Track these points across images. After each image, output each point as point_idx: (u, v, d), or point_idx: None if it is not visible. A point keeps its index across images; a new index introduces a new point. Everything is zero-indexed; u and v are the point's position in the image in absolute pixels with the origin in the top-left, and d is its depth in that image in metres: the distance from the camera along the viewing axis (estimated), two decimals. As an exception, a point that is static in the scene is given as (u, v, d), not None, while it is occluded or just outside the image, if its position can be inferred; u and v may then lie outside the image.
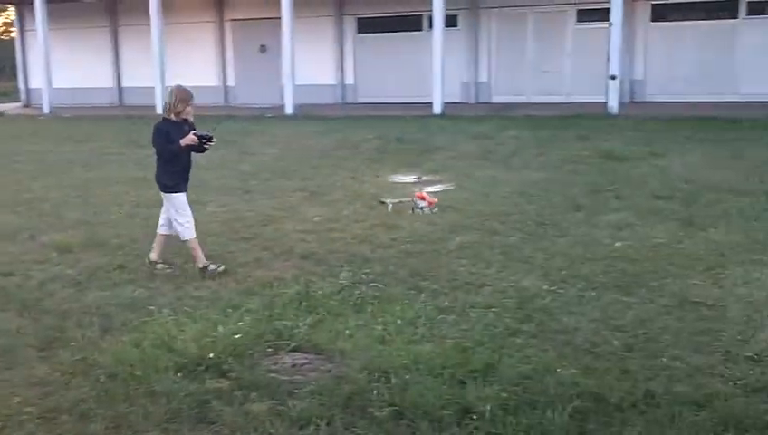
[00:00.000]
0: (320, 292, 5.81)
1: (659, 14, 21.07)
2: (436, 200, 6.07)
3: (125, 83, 27.77)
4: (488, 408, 3.92)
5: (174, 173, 6.57)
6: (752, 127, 14.58)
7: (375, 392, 4.15)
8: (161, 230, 6.78)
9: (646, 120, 16.25)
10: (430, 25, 20.46)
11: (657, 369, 4.39)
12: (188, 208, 6.62)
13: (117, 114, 22.33)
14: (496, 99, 22.63)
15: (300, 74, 21.93)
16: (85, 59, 27.54)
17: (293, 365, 4.58)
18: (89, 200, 9.82)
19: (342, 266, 6.50)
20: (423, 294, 5.77)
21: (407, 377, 4.30)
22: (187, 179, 6.68)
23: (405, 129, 16.47)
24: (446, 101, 20.06)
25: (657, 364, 4.46)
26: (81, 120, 21.41)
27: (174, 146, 6.43)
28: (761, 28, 19.90)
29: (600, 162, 11.53)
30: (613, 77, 18.12)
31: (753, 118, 15.50)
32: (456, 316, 5.31)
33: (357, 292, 5.84)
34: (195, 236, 6.61)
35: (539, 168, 11.33)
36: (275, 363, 4.59)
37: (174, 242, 6.74)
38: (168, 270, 6.63)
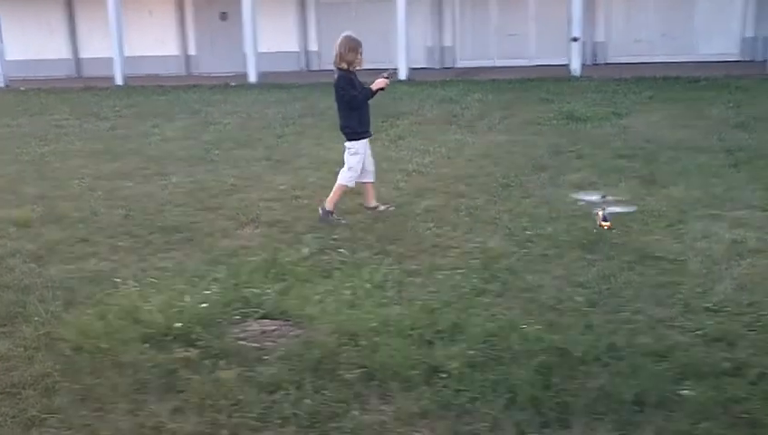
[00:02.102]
0: (287, 259, 5.82)
1: (620, -24, 21.14)
2: (607, 225, 6.16)
3: (83, 54, 27.18)
4: (456, 366, 3.98)
5: (363, 118, 6.95)
6: (710, 86, 14.74)
7: (344, 355, 4.18)
8: (367, 178, 7.12)
9: (608, 81, 16.36)
10: (394, -10, 20.31)
11: (619, 322, 4.48)
12: (363, 155, 6.96)
13: (75, 86, 21.90)
14: (461, 63, 22.59)
15: (262, 42, 21.67)
16: (40, 30, 26.90)
17: (262, 332, 4.59)
18: (47, 175, 9.66)
19: (309, 233, 6.50)
20: (390, 258, 5.80)
21: (376, 339, 4.34)
22: (370, 124, 7.05)
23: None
24: (411, 66, 19.98)
25: (620, 318, 4.54)
26: (38, 92, 21.01)
27: (366, 91, 6.85)
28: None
29: (563, 123, 11.61)
30: (575, 39, 18.18)
31: (711, 77, 15.66)
32: (424, 278, 5.36)
33: (325, 258, 5.86)
34: (353, 186, 7.04)
35: (504, 130, 11.38)
36: (244, 331, 4.60)
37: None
38: (391, 208, 7.13)
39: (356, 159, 6.96)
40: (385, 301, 4.96)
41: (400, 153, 9.98)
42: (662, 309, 4.65)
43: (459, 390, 3.79)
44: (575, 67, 18.20)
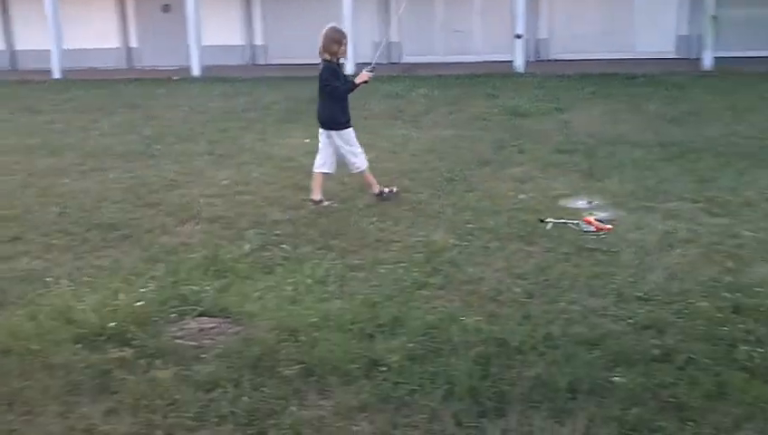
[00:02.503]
0: (228, 255, 5.77)
1: (562, -28, 21.42)
2: (610, 227, 6.12)
3: (18, 46, 26.43)
4: (395, 359, 4.01)
5: (344, 109, 7.10)
6: (647, 83, 15.04)
7: (284, 352, 4.18)
8: (321, 169, 7.21)
9: (550, 77, 16.57)
10: (340, -15, 20.25)
11: (555, 313, 4.57)
12: (357, 141, 7.18)
13: (9, 79, 21.32)
14: (407, 58, 22.63)
15: (206, 35, 21.40)
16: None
17: (200, 330, 4.55)
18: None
19: (251, 229, 6.47)
20: (333, 253, 5.81)
21: (316, 334, 4.35)
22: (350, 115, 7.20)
23: (316, 89, 16.25)
24: (358, 61, 19.93)
25: (556, 308, 4.64)
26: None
27: (348, 84, 7.02)
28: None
29: (506, 119, 11.74)
30: (519, 36, 18.37)
31: (649, 74, 15.98)
32: (366, 273, 5.38)
33: (266, 254, 5.84)
34: (367, 165, 7.20)
35: (448, 125, 11.46)
36: (181, 329, 4.55)
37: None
38: (335, 205, 7.10)
39: (353, 145, 7.18)
40: (326, 296, 4.97)
41: (345, 148, 9.96)
42: (596, 299, 4.76)
43: (398, 382, 3.82)
44: (519, 63, 18.40)
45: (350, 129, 7.19)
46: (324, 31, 7.04)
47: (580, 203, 6.93)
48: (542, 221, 6.30)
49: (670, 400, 3.59)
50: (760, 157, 8.47)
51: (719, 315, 4.45)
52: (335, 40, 6.94)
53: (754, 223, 6.17)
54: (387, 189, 7.25)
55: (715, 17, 17.27)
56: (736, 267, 5.22)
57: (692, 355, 3.97)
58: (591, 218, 6.23)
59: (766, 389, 3.64)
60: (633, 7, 20.56)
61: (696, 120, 10.97)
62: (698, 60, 17.94)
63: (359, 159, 7.20)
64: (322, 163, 7.25)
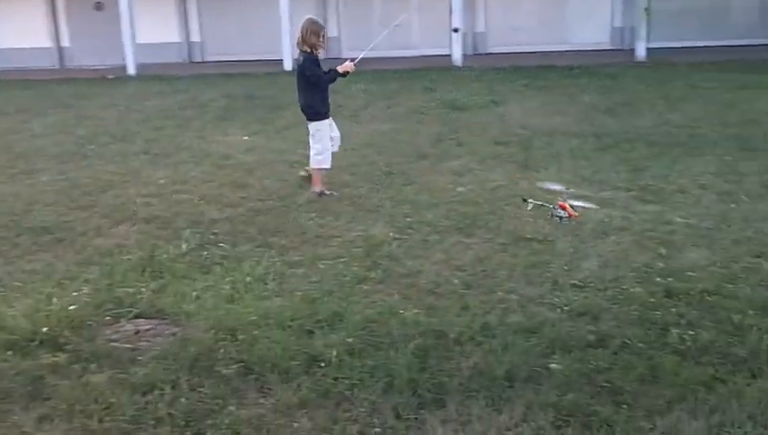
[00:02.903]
0: (165, 256, 5.70)
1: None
2: (577, 215, 6.15)
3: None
4: (335, 354, 4.01)
5: (324, 100, 7.25)
6: (583, 74, 15.30)
7: (222, 351, 4.14)
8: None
9: (487, 70, 16.74)
10: (277, -20, 20.10)
11: (493, 303, 4.62)
12: (328, 136, 7.29)
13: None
14: (347, 54, 22.55)
15: (142, 33, 21.05)
16: None
17: (136, 332, 4.48)
18: None
19: (189, 228, 6.38)
20: (272, 251, 5.77)
21: (255, 333, 4.32)
22: (329, 106, 7.36)
23: (255, 86, 16.23)
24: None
25: (494, 298, 4.69)
26: None
27: (331, 74, 7.13)
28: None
29: (444, 112, 11.82)
30: (456, 30, 18.50)
31: (584, 65, 16.25)
32: (306, 269, 5.36)
33: (204, 253, 5.77)
34: (330, 166, 7.31)
35: (387, 119, 11.48)
36: (117, 332, 4.48)
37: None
38: (335, 194, 7.20)
39: (321, 142, 7.26)
40: (266, 294, 4.94)
41: (285, 144, 9.93)
42: (533, 288, 4.83)
43: (338, 378, 3.82)
44: (456, 57, 18.53)
45: (325, 121, 7.30)
46: (303, 23, 7.13)
47: (558, 187, 7.02)
48: (524, 201, 6.37)
49: (605, 384, 3.66)
50: (691, 145, 8.69)
51: (652, 300, 4.56)
52: (314, 32, 7.06)
53: (686, 210, 6.33)
54: (329, 193, 7.25)
55: (647, 9, 17.64)
56: (668, 253, 5.34)
57: (626, 340, 4.06)
58: (566, 204, 6.33)
59: (697, 371, 3.73)
60: (568, 0, 20.89)
61: (629, 110, 11.20)
62: (632, 51, 18.32)
63: (320, 158, 7.28)
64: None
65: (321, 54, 7.21)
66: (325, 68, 7.30)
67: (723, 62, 16.06)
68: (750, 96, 11.91)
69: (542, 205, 6.35)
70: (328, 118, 7.32)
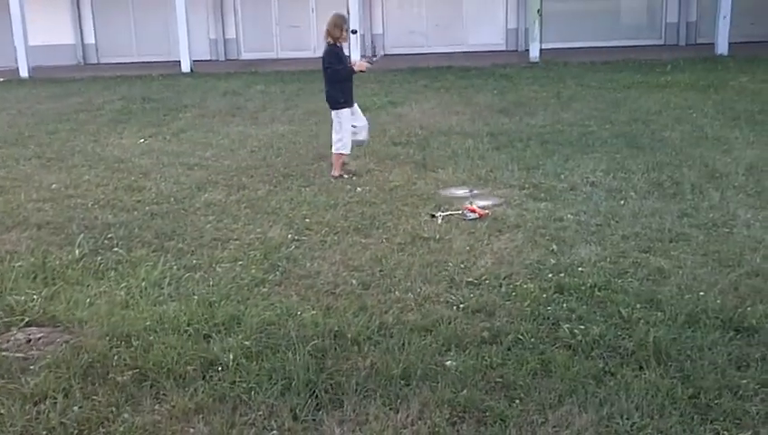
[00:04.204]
0: (57, 262, 5.57)
1: (395, -31, 21.87)
2: (488, 213, 6.14)
3: None
4: (231, 357, 3.99)
5: (345, 91, 7.73)
6: (479, 75, 15.61)
7: (116, 358, 4.07)
8: (360, 136, 7.96)
9: (385, 71, 16.86)
10: (171, -19, 19.73)
11: (390, 302, 4.68)
12: (350, 124, 7.74)
13: None
14: (245, 55, 22.40)
15: (34, 34, 20.31)
16: None
17: (28, 341, 4.37)
18: None
19: (82, 234, 6.22)
20: (169, 255, 5.70)
21: (150, 338, 4.26)
22: (352, 96, 7.87)
23: (152, 88, 15.90)
24: (195, 58, 19.55)
25: (391, 298, 4.75)
26: None
27: (346, 68, 7.68)
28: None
29: (343, 113, 11.82)
30: (354, 31, 18.54)
31: (480, 67, 16.59)
32: (203, 273, 5.32)
33: (98, 258, 5.66)
34: (349, 152, 7.81)
35: (286, 121, 11.45)
36: (7, 341, 4.36)
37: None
38: (354, 178, 7.65)
39: (342, 129, 7.73)
40: (161, 298, 4.88)
41: (182, 147, 9.78)
42: (429, 286, 4.92)
43: (235, 381, 3.81)
44: (355, 58, 18.53)
45: (347, 110, 7.78)
46: (330, 17, 7.73)
47: (461, 192, 7.14)
48: (432, 216, 6.42)
49: (498, 380, 3.76)
50: (582, 143, 9.00)
51: (544, 296, 4.70)
52: (337, 25, 7.61)
53: (576, 206, 6.55)
54: (346, 175, 7.73)
55: (539, 11, 18.15)
56: (560, 249, 5.52)
57: (519, 335, 4.18)
58: (474, 206, 6.43)
59: (587, 364, 3.88)
60: (463, 1, 21.29)
61: (523, 109, 11.51)
62: (526, 52, 18.82)
63: (340, 144, 7.75)
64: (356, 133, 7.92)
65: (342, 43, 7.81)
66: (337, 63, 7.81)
67: (613, 62, 16.70)
68: (638, 95, 12.43)
69: (450, 214, 6.46)
70: (348, 107, 7.78)
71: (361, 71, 7.80)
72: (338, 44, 7.74)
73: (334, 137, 7.85)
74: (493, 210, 6.43)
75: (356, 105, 7.99)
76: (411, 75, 16.24)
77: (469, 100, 12.58)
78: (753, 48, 17.45)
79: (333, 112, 7.84)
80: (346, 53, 7.92)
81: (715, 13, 17.93)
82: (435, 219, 6.35)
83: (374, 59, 7.85)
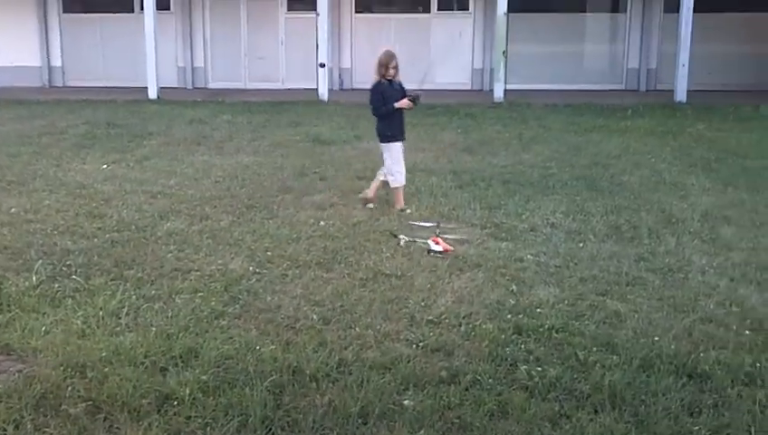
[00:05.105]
0: (14, 288, 5.51)
1: (363, 5, 22.07)
2: (452, 248, 6.18)
3: None
4: (188, 392, 3.96)
5: (392, 126, 7.90)
6: (444, 113, 15.67)
7: (70, 389, 4.03)
8: (381, 177, 8.06)
9: (352, 106, 16.95)
10: (142, 7, 19.70)
11: (350, 338, 4.69)
12: (402, 158, 7.94)
13: None
14: (213, 85, 22.37)
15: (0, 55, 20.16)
16: None
17: (-21, 369, 4.29)
18: None
19: (40, 260, 6.14)
20: (128, 284, 5.66)
21: (105, 369, 4.22)
22: (402, 131, 8.04)
23: (117, 113, 15.79)
24: (162, 85, 19.48)
25: (351, 334, 4.77)
26: None
27: (388, 107, 7.79)
28: (449, 21, 21.68)
29: (309, 146, 11.88)
30: (322, 65, 18.71)
31: (446, 105, 16.71)
32: (162, 303, 5.28)
33: (56, 286, 5.60)
34: (404, 184, 7.96)
35: (252, 152, 11.44)
36: (-43, 369, 4.27)
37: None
38: (408, 211, 7.74)
39: (391, 161, 7.90)
40: (119, 329, 4.84)
41: (145, 174, 9.71)
42: (390, 323, 4.94)
43: (191, 417, 3.79)
44: (323, 92, 18.71)
45: (397, 144, 7.94)
46: (381, 53, 7.97)
47: (429, 224, 7.20)
48: (395, 236, 6.51)
49: (456, 420, 3.78)
50: (543, 184, 9.13)
51: (502, 336, 4.75)
52: (381, 63, 7.85)
53: (537, 247, 6.64)
54: (408, 210, 7.81)
55: (505, 52, 18.45)
56: (519, 290, 5.59)
57: (477, 376, 4.22)
58: (439, 239, 6.48)
59: (544, 406, 3.92)
60: (431, 41, 21.59)
61: (486, 149, 11.64)
62: (491, 92, 19.08)
63: (392, 177, 7.90)
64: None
65: (393, 81, 7.94)
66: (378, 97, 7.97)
67: (575, 105, 17.00)
68: (598, 138, 12.65)
69: (414, 241, 6.51)
70: (397, 141, 7.94)
71: (402, 108, 7.90)
72: (383, 81, 7.87)
73: (386, 171, 7.99)
74: (454, 248, 6.49)
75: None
76: (377, 111, 16.33)
77: (434, 137, 12.69)
78: (710, 96, 17.89)
79: (381, 145, 8.05)
80: (403, 87, 8.06)
81: (674, 61, 18.38)
82: (397, 241, 6.40)
83: (418, 100, 7.93)
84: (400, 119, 8.03)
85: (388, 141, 7.98)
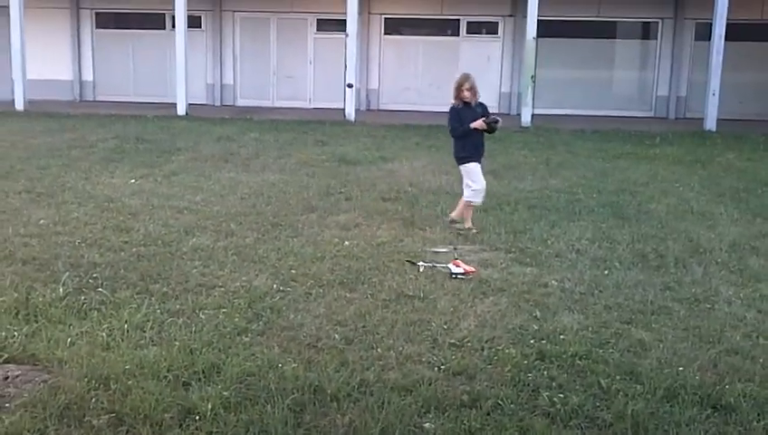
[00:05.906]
0: (41, 299, 5.54)
1: (392, 27, 22.24)
2: (474, 270, 6.35)
3: None
4: (210, 407, 3.98)
5: (466, 147, 8.06)
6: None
7: (94, 400, 4.05)
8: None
9: (379, 127, 17.05)
10: (173, 25, 20.00)
11: (372, 359, 4.69)
12: (480, 177, 8.08)
13: None
14: (242, 102, 22.60)
15: (33, 69, 20.47)
16: None
17: (5, 378, 4.34)
18: None
19: (67, 272, 6.21)
20: (153, 298, 5.70)
21: (129, 382, 4.24)
22: (481, 153, 8.21)
23: (147, 129, 15.99)
24: (191, 102, 19.73)
25: (373, 355, 4.76)
26: None
27: (464, 127, 7.91)
28: (478, 45, 21.75)
29: (335, 166, 11.96)
30: (350, 85, 18.86)
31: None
32: (186, 318, 5.31)
33: (82, 298, 5.64)
34: (479, 202, 8.15)
35: (278, 170, 11.52)
36: (-16, 378, 4.32)
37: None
38: (474, 231, 7.89)
39: (470, 179, 8.03)
40: (143, 342, 4.87)
41: (173, 190, 9.81)
42: (412, 345, 4.93)
43: (212, 432, 3.80)
44: (350, 112, 18.85)
45: (471, 164, 8.07)
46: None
47: (445, 249, 7.21)
48: (413, 264, 6.57)
49: (476, 445, 3.76)
50: (569, 210, 9.10)
51: (525, 362, 4.72)
52: (455, 86, 8.01)
53: (561, 273, 6.61)
54: (461, 227, 7.96)
55: (533, 77, 18.48)
56: (543, 316, 5.56)
57: (498, 401, 4.19)
58: (459, 262, 6.49)
59: (566, 434, 3.89)
60: (458, 63, 21.64)
61: (513, 173, 11.64)
62: (519, 116, 19.09)
63: (469, 192, 8.03)
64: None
65: (472, 103, 8.03)
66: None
67: (603, 131, 16.96)
68: (626, 165, 12.61)
69: (433, 266, 6.52)
70: (472, 162, 8.07)
71: (476, 129, 7.94)
72: (458, 104, 7.98)
73: (465, 189, 8.11)
74: (478, 272, 6.48)
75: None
76: (404, 132, 16.43)
77: (459, 160, 12.68)
78: (740, 126, 17.79)
79: (460, 168, 8.20)
80: (485, 108, 8.23)
81: (704, 89, 18.30)
82: (416, 268, 6.41)
83: (495, 124, 7.98)
84: (477, 140, 8.10)
85: (464, 162, 8.12)
